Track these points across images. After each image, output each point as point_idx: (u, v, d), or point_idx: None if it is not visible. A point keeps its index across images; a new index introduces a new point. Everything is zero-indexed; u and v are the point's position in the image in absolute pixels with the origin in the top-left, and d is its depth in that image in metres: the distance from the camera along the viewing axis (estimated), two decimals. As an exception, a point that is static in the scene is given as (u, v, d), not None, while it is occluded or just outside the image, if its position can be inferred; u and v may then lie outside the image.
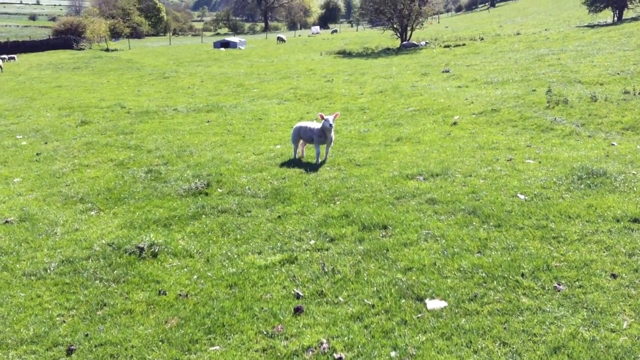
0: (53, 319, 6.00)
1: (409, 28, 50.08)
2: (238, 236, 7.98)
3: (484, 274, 6.36)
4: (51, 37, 75.70)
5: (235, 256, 7.32)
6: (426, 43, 45.83)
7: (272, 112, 18.96)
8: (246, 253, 7.41)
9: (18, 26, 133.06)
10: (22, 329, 5.81)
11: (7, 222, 8.98)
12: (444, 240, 7.31)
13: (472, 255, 6.85)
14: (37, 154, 13.96)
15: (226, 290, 6.47)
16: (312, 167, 11.24)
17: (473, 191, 9.11)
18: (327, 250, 7.35)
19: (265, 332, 5.58)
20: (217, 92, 25.59)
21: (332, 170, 11.05)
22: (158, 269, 7.03)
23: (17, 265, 7.31)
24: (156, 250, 7.47)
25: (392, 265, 6.77)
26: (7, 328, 5.84)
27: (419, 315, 5.69)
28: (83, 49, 69.81)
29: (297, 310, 5.93)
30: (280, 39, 73.45)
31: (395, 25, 50.44)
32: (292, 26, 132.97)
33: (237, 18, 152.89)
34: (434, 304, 5.89)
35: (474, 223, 7.81)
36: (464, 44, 40.53)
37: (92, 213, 9.35)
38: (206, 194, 9.90)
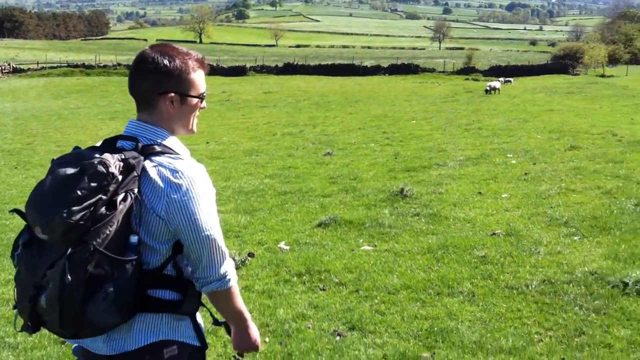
0: (531, 335, 6.15)
1: None
2: None
3: None
4: (548, 62, 77.70)
5: None
6: None
7: None
8: None
9: (518, 51, 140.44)
10: (501, 338, 6.12)
11: (494, 234, 9.58)
12: None
13: None
14: (525, 174, 14.49)
15: None
16: None
17: None
18: None
19: None
20: None
21: None
22: (642, 308, 6.57)
23: (501, 277, 7.74)
24: (641, 287, 6.99)
25: None
26: (488, 334, 6.24)
27: None
28: (578, 74, 69.66)
29: None
30: None
31: None
32: None
33: None
34: None
35: None
36: None
37: (576, 238, 9.25)
38: None
